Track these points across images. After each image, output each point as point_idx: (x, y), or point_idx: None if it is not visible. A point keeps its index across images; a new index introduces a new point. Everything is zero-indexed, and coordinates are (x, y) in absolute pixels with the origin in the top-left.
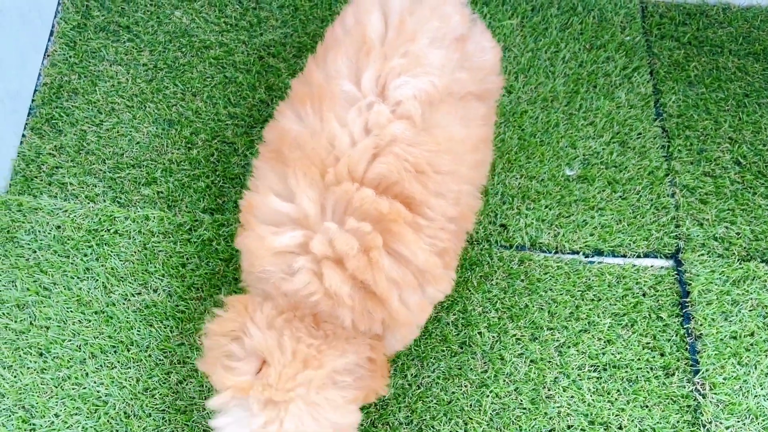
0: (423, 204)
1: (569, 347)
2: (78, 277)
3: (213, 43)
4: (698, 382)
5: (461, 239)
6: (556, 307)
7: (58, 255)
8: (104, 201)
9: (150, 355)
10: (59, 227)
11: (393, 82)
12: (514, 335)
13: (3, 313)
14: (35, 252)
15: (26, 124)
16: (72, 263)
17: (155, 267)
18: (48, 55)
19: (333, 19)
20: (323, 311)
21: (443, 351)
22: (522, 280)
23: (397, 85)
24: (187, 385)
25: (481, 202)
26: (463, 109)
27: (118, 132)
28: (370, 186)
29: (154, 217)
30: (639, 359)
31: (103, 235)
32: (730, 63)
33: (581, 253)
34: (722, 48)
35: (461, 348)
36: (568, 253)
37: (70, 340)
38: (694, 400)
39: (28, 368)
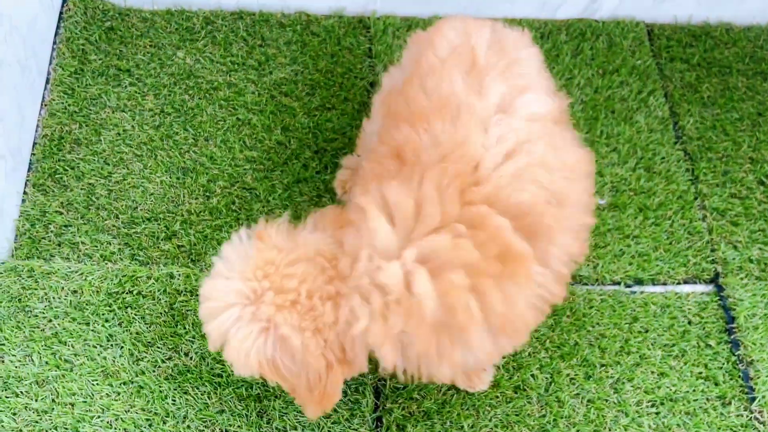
0: (549, 242)
1: (624, 383)
2: (101, 346)
3: (221, 84)
4: (756, 410)
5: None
6: (606, 341)
7: (77, 322)
8: (122, 260)
9: (189, 426)
10: (76, 292)
11: (520, 99)
12: (568, 375)
13: (22, 392)
14: (51, 321)
15: (27, 180)
16: (93, 331)
17: (185, 328)
18: (45, 105)
19: (343, 55)
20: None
21: (497, 397)
22: (568, 316)
23: (526, 101)
24: None
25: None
26: (567, 131)
27: (129, 184)
28: (507, 215)
29: (179, 275)
30: (694, 390)
31: (125, 298)
32: (740, 83)
33: (622, 284)
34: (730, 68)
35: (515, 392)
36: (609, 285)
37: (99, 417)
38: (754, 429)
39: None
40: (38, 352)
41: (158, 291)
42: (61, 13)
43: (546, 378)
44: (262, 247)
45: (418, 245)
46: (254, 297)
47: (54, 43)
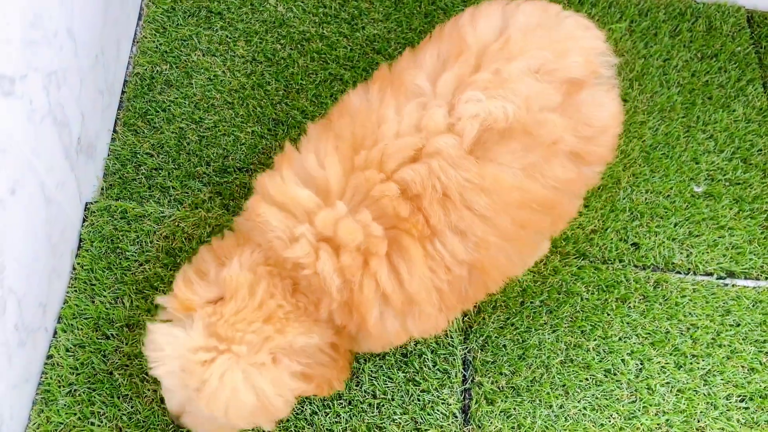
0: (436, 233)
1: (715, 375)
2: None
3: (313, 36)
4: None
5: (473, 292)
6: (698, 332)
7: (168, 268)
8: (213, 208)
9: None
10: (167, 237)
11: (465, 94)
12: (659, 363)
13: (112, 334)
14: (142, 265)
15: (117, 119)
16: None
17: None
18: (137, 42)
19: (437, 15)
20: (304, 284)
21: (587, 380)
22: (660, 304)
23: (468, 98)
24: None
25: (520, 269)
26: (538, 157)
27: (219, 131)
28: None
29: None
30: None
31: None
32: None
33: (715, 275)
34: None
35: (605, 376)
36: (702, 275)
37: None
38: None
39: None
40: (129, 296)
41: None
42: None
43: (636, 364)
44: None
45: (318, 220)
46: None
47: None
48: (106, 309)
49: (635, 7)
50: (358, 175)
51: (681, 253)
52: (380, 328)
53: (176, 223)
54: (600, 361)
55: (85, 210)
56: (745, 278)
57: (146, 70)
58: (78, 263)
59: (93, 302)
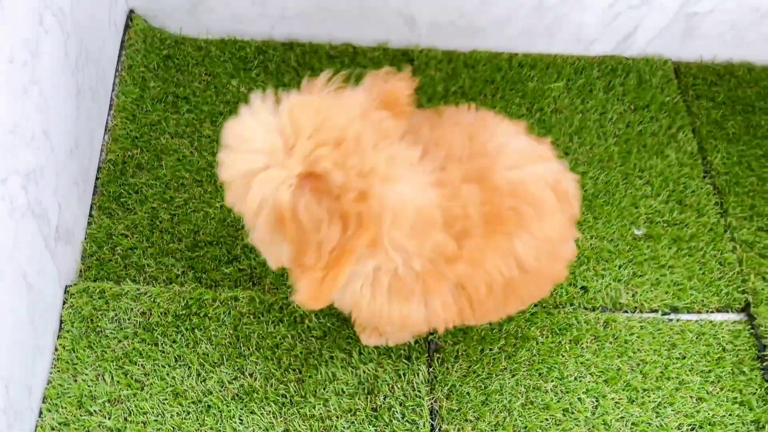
0: None
1: (666, 407)
2: (170, 366)
3: None
4: None
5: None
6: (647, 367)
7: (147, 343)
8: (187, 282)
9: None
10: (144, 313)
11: None
12: (613, 399)
13: (95, 410)
14: (121, 341)
15: (93, 204)
16: (162, 351)
17: (249, 350)
18: (109, 131)
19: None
20: None
21: (547, 420)
22: (611, 343)
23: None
24: None
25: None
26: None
27: (190, 208)
28: None
29: (244, 298)
30: (731, 415)
31: (192, 320)
32: (763, 121)
33: (660, 311)
34: (753, 107)
35: (564, 415)
36: (648, 312)
37: None
38: None
39: None
40: (110, 372)
41: (223, 313)
42: (122, 41)
43: (592, 401)
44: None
45: None
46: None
47: (116, 70)
48: (89, 386)
49: (571, 66)
50: None
51: (627, 293)
52: None
53: (152, 299)
54: (558, 401)
55: (65, 293)
56: (688, 312)
57: (118, 156)
58: (60, 344)
59: (75, 381)
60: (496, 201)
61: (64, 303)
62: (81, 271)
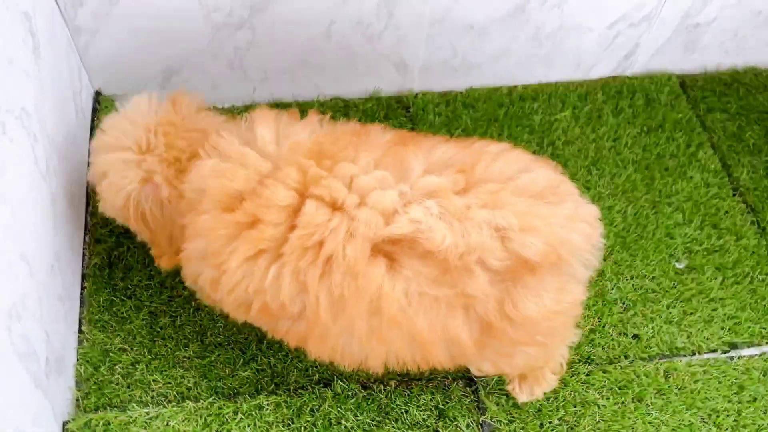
0: None
1: None
2: None
3: None
4: None
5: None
6: (719, 418)
7: None
8: (201, 394)
9: None
10: None
11: (426, 201)
12: None
13: None
14: None
15: (81, 318)
16: None
17: None
18: (89, 231)
19: None
20: None
21: None
22: (676, 395)
23: (425, 204)
24: None
25: None
26: (442, 297)
27: (192, 307)
28: None
29: (268, 405)
30: None
31: None
32: None
33: (719, 351)
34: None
35: None
36: (707, 353)
37: None
38: None
39: None
40: None
41: (248, 426)
42: (91, 128)
43: None
44: (170, 110)
45: None
46: (146, 149)
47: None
48: None
49: (573, 93)
50: None
51: (681, 335)
52: None
53: (165, 423)
54: None
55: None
56: (748, 347)
57: (104, 258)
58: None
59: None
60: None
61: None
62: (78, 400)
